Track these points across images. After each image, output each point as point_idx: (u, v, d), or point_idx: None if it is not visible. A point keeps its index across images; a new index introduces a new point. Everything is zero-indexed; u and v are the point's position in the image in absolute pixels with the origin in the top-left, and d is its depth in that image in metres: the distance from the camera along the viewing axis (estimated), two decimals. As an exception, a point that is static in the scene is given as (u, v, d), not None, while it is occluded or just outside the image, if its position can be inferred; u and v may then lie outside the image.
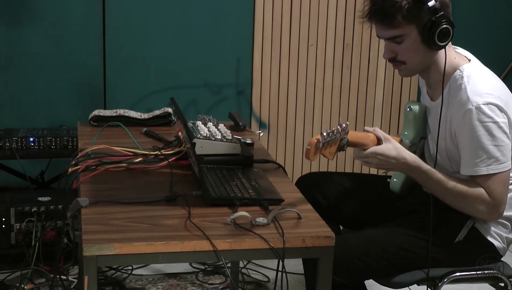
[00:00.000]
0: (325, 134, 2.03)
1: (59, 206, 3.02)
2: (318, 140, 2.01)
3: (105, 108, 3.70)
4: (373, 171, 3.80)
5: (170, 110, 2.86)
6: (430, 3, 2.12)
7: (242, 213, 1.96)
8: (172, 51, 3.84)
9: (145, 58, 3.82)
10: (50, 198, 3.14)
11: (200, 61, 3.88)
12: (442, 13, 2.13)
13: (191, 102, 3.92)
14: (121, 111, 2.82)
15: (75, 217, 2.03)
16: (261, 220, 1.95)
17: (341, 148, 2.12)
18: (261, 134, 2.83)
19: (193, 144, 2.29)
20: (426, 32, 2.15)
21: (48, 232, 3.09)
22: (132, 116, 2.82)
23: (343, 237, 2.32)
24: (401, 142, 2.35)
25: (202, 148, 2.32)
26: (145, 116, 2.84)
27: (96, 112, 2.81)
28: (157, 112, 2.85)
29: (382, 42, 2.27)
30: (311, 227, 1.97)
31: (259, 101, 3.99)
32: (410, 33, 2.17)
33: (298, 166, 4.08)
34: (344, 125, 2.09)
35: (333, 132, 2.06)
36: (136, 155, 2.42)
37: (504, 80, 2.79)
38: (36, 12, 3.63)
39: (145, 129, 2.73)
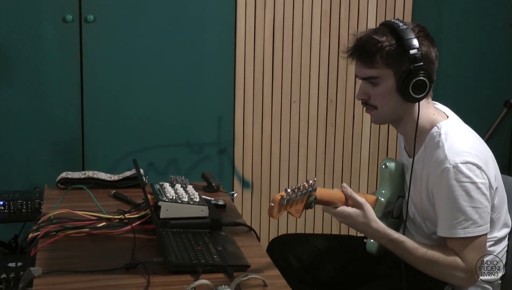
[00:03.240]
0: (289, 190, 1.93)
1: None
2: (282, 196, 1.92)
3: (83, 169, 3.61)
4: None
5: (141, 171, 2.76)
6: (412, 51, 2.04)
7: (202, 281, 1.84)
8: (152, 110, 3.77)
9: (125, 117, 3.74)
10: (21, 264, 3.02)
11: (181, 119, 3.81)
12: (422, 64, 2.05)
13: (172, 161, 3.83)
14: (90, 173, 2.73)
15: (27, 287, 1.92)
16: (223, 288, 1.84)
17: (308, 205, 2.02)
18: (235, 195, 2.74)
19: (158, 207, 2.20)
20: (401, 80, 2.07)
21: (17, 299, 2.97)
22: (101, 177, 2.72)
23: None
24: (377, 200, 2.25)
25: (167, 211, 2.22)
26: (115, 177, 2.74)
27: (64, 174, 2.71)
28: (127, 174, 2.75)
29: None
30: (277, 295, 1.86)
31: (242, 159, 3.90)
32: (387, 78, 2.09)
33: (283, 226, 3.97)
34: (311, 182, 2.00)
35: (299, 188, 1.96)
36: (99, 219, 2.32)
37: (488, 141, 2.71)
38: (12, 69, 3.56)
39: (114, 191, 2.63)
